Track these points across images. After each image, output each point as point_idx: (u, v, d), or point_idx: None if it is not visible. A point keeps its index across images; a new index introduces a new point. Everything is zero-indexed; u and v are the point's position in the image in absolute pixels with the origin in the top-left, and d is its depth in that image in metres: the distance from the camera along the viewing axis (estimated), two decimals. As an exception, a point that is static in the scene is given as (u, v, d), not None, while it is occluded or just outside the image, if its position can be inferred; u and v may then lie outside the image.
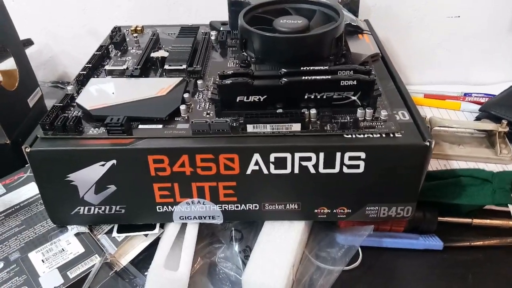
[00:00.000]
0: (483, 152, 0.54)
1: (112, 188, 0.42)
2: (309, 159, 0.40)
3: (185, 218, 0.44)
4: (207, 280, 0.43)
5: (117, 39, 0.57)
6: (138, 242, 0.45)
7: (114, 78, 0.49)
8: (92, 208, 0.43)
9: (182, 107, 0.43)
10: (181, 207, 0.43)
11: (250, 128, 0.40)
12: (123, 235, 0.45)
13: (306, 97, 0.41)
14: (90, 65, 0.51)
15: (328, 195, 0.42)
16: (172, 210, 0.43)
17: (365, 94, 0.41)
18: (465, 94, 0.67)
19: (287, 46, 0.44)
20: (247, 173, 0.40)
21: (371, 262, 0.44)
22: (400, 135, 0.40)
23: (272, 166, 0.40)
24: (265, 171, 0.40)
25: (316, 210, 0.43)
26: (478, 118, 0.60)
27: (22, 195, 0.49)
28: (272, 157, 0.40)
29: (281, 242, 0.43)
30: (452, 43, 0.70)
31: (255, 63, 0.47)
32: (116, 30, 0.62)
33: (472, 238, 0.46)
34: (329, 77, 0.40)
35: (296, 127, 0.40)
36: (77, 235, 0.44)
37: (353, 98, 0.41)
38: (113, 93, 0.45)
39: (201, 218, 0.44)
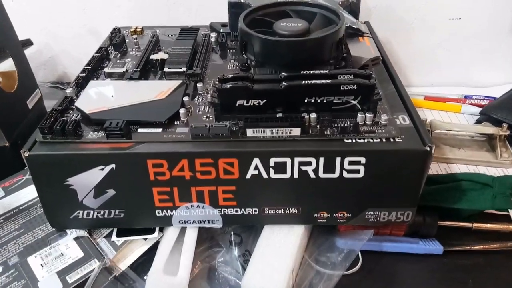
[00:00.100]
0: (483, 156, 0.54)
1: (111, 192, 0.41)
2: (309, 163, 0.39)
3: (185, 222, 0.44)
4: (206, 285, 0.43)
5: (117, 41, 0.57)
6: (137, 246, 0.45)
7: (114, 81, 0.49)
8: (91, 212, 0.43)
9: (182, 110, 0.43)
10: (181, 211, 0.43)
11: (249, 132, 0.40)
12: (122, 239, 0.45)
13: (306, 101, 0.41)
14: (89, 67, 0.51)
15: (328, 200, 0.42)
16: (172, 214, 0.43)
17: (365, 99, 0.41)
18: (466, 97, 0.67)
19: (287, 49, 0.44)
20: (246, 177, 0.40)
21: (371, 266, 0.44)
22: (400, 140, 0.39)
23: (271, 171, 0.40)
24: (265, 176, 0.40)
25: (315, 215, 0.43)
26: (478, 121, 0.60)
27: (21, 198, 0.49)
28: (271, 161, 0.39)
29: (280, 246, 0.43)
30: (452, 44, 0.70)
31: (255, 66, 0.47)
32: (116, 31, 0.62)
33: (472, 242, 0.46)
34: (329, 81, 0.40)
35: (296, 131, 0.40)
36: (76, 239, 0.44)
37: (353, 102, 0.41)
38: (112, 96, 0.45)
39: (201, 222, 0.44)
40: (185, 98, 0.45)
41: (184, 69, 0.49)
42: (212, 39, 0.58)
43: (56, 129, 0.41)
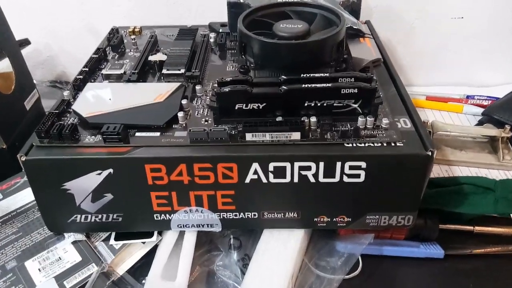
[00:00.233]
0: (485, 158, 0.53)
1: (109, 196, 0.41)
2: (308, 168, 0.39)
3: (183, 226, 0.44)
4: (205, 289, 0.43)
5: (115, 42, 0.56)
6: (136, 250, 0.45)
7: (111, 83, 0.48)
8: (89, 216, 0.42)
9: (180, 114, 0.42)
10: (179, 216, 0.43)
11: (249, 136, 0.40)
12: (121, 242, 0.44)
13: (306, 104, 0.41)
14: (87, 69, 0.50)
15: (328, 204, 0.42)
16: (170, 218, 0.43)
17: (366, 102, 0.40)
18: (468, 97, 0.66)
19: (287, 52, 0.43)
20: (245, 182, 0.40)
21: (371, 270, 0.44)
22: (402, 144, 0.39)
23: (271, 175, 0.39)
24: (264, 180, 0.40)
25: (315, 219, 0.43)
26: (480, 122, 0.60)
27: (19, 201, 0.49)
28: (271, 166, 0.39)
29: (280, 251, 0.43)
30: (454, 44, 0.69)
31: (254, 69, 0.46)
32: (114, 31, 0.61)
33: (473, 246, 0.45)
34: (330, 85, 0.40)
35: (296, 135, 0.40)
36: (74, 243, 0.44)
37: (354, 106, 0.41)
38: (110, 99, 0.44)
39: (199, 226, 0.44)
40: (184, 101, 0.44)
41: (182, 71, 0.48)
42: (211, 40, 0.57)
43: (53, 133, 0.40)
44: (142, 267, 0.44)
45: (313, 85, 0.40)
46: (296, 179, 0.40)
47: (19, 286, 0.40)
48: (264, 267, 0.42)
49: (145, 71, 0.51)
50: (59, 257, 0.43)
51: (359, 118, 0.40)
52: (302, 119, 0.40)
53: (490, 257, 0.45)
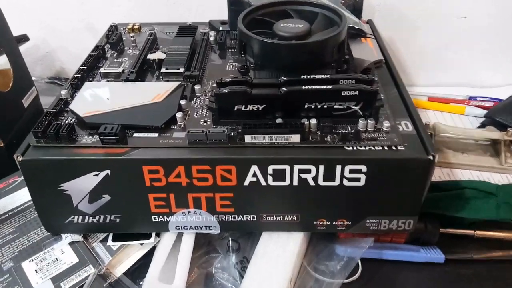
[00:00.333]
0: (487, 161, 0.52)
1: (106, 197, 0.41)
2: (308, 171, 0.38)
3: (181, 228, 0.43)
4: (203, 292, 0.42)
5: (114, 39, 0.55)
6: (134, 251, 0.44)
7: (109, 82, 0.48)
8: (87, 217, 0.42)
9: (179, 114, 0.42)
10: (177, 217, 0.42)
11: (248, 138, 0.39)
12: (118, 244, 0.44)
13: (306, 106, 0.40)
14: (85, 67, 0.50)
15: (328, 207, 0.41)
16: (168, 220, 0.42)
17: (367, 105, 0.40)
18: (470, 98, 0.65)
19: (287, 53, 0.43)
20: (244, 184, 0.39)
21: (371, 274, 0.44)
22: (403, 148, 0.38)
23: (270, 178, 0.39)
24: (263, 183, 0.39)
25: (315, 222, 0.42)
26: (483, 125, 0.59)
27: (17, 200, 0.49)
28: (270, 169, 0.38)
29: (279, 254, 0.42)
30: (457, 44, 0.68)
31: (254, 69, 0.46)
32: (113, 29, 0.60)
33: (474, 251, 0.45)
34: (330, 87, 0.39)
35: (296, 138, 0.39)
36: (71, 244, 0.44)
37: (355, 108, 0.40)
38: (107, 98, 0.44)
39: (198, 228, 0.43)
40: (183, 101, 0.43)
41: (182, 70, 0.48)
42: (211, 38, 0.57)
43: (50, 133, 0.40)
44: (139, 269, 0.43)
45: (313, 87, 0.39)
46: (295, 182, 0.39)
47: (15, 287, 0.40)
48: (263, 270, 0.41)
49: (143, 70, 0.50)
50: (56, 258, 0.43)
51: (360, 120, 0.40)
52: (302, 121, 0.39)
53: (491, 262, 0.44)
